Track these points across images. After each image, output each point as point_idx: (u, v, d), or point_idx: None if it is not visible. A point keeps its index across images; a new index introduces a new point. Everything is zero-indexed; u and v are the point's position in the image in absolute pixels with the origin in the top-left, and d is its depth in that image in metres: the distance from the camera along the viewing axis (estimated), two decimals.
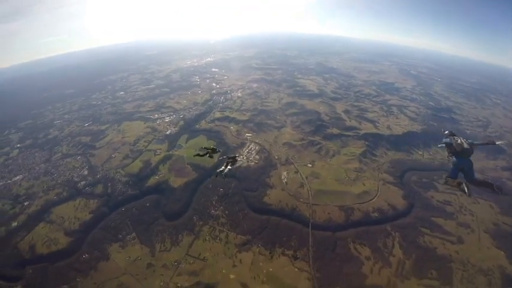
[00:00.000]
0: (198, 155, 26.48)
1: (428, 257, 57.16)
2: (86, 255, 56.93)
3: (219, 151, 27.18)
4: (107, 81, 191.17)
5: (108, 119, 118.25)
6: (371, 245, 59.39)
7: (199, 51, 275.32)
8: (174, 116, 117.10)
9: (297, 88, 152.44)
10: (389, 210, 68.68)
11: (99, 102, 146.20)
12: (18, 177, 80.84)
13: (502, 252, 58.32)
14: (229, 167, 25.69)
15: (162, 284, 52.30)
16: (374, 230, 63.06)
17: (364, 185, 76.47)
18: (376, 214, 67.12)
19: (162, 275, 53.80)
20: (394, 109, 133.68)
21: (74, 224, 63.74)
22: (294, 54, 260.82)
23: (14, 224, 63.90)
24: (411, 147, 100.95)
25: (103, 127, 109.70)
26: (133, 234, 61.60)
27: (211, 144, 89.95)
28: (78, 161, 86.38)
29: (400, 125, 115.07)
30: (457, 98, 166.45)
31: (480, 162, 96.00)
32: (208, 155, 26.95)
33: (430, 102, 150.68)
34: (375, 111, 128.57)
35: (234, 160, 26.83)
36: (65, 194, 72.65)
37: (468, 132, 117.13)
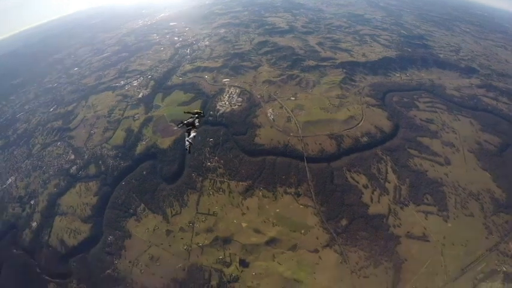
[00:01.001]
0: (183, 124, 22.71)
1: (421, 181, 60.45)
2: (111, 237, 56.96)
3: (203, 115, 23.65)
4: (55, 61, 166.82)
5: (72, 98, 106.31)
6: (366, 171, 61.74)
7: (148, 9, 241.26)
8: (142, 78, 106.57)
9: (267, 27, 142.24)
10: (377, 133, 70.50)
11: (55, 84, 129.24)
12: (10, 179, 75.33)
13: (488, 174, 62.63)
14: (193, 133, 22.35)
15: (185, 247, 53.24)
16: (366, 155, 65.07)
17: (348, 110, 76.78)
18: (365, 139, 68.73)
19: (182, 238, 54.41)
20: (367, 38, 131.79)
21: (85, 210, 62.34)
22: None
23: (34, 224, 62.49)
24: (388, 71, 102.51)
25: (70, 107, 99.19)
26: (142, 205, 60.53)
27: (195, 107, 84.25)
28: (60, 147, 79.83)
29: (374, 52, 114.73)
30: (427, 27, 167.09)
31: (456, 81, 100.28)
32: (195, 120, 22.81)
33: (401, 31, 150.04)
34: (348, 41, 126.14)
35: (195, 120, 22.99)
36: (62, 183, 69.17)
37: (441, 56, 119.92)
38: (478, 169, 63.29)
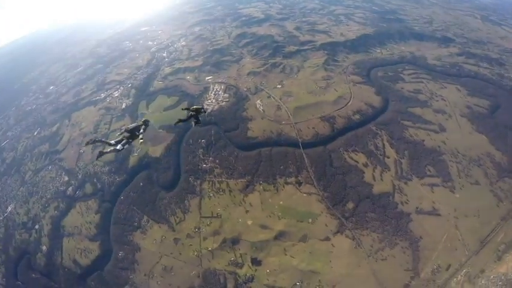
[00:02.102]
0: (180, 121, 21.08)
1: (420, 152, 58.97)
2: (121, 253, 54.92)
3: (205, 111, 21.73)
4: (28, 81, 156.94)
5: (54, 118, 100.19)
6: (363, 149, 60.07)
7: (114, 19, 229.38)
8: (122, 87, 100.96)
9: (243, 18, 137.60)
10: (368, 109, 69.05)
11: (34, 106, 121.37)
12: (9, 208, 72.93)
13: (484, 137, 61.54)
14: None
15: (196, 253, 51.17)
16: (361, 133, 63.42)
17: (336, 90, 75.08)
18: (357, 116, 67.17)
19: (191, 245, 52.24)
20: (342, 18, 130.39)
21: (90, 229, 59.99)
22: None
23: (44, 247, 60.78)
24: (368, 48, 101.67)
25: (54, 128, 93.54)
26: (145, 217, 57.91)
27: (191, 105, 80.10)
28: (52, 170, 76.09)
29: (352, 31, 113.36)
30: (397, 2, 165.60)
31: (435, 51, 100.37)
32: (192, 118, 20.91)
33: (374, 8, 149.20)
34: (325, 23, 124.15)
35: (196, 114, 21.38)
36: (62, 205, 66.29)
37: (417, 28, 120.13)
38: (473, 133, 62.72)
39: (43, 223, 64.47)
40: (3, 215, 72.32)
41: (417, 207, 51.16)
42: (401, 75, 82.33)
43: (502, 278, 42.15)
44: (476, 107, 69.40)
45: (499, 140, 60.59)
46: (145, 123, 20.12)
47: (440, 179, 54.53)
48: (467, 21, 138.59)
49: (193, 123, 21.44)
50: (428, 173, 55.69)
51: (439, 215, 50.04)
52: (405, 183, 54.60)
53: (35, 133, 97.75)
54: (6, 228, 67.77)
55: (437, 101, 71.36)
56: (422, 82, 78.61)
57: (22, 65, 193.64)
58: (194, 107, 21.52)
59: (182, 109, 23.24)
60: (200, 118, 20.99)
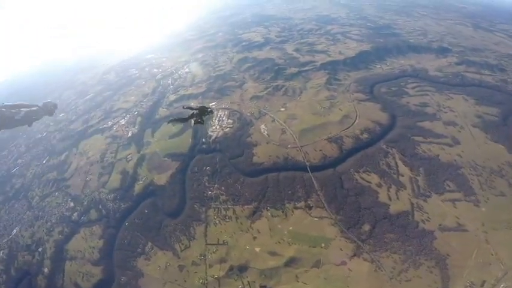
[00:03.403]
0: (176, 120, 20.71)
1: (435, 168, 56.35)
2: (124, 278, 52.91)
3: (211, 111, 20.45)
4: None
5: (63, 147, 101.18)
6: (375, 169, 57.57)
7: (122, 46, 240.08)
8: (128, 115, 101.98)
9: (243, 43, 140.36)
10: (375, 127, 67.13)
11: (44, 134, 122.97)
12: (15, 230, 73.15)
13: (501, 146, 59.06)
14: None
15: (201, 281, 48.33)
16: (371, 152, 61.14)
17: (341, 110, 73.72)
18: (365, 135, 65.11)
19: (196, 272, 49.47)
20: (339, 36, 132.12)
21: (93, 253, 58.60)
22: (230, 13, 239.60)
23: (45, 270, 59.65)
24: (368, 64, 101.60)
25: (62, 157, 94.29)
26: (149, 243, 56.01)
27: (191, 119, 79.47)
28: (58, 197, 76.51)
29: (350, 49, 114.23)
30: (390, 16, 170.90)
31: (434, 62, 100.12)
32: (194, 118, 19.09)
33: (368, 24, 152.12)
34: (323, 42, 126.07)
35: (199, 113, 20.12)
36: (66, 230, 65.67)
37: (412, 41, 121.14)
38: (489, 142, 59.88)
39: (47, 246, 63.83)
40: (8, 237, 72.43)
41: (440, 224, 47.64)
42: (405, 89, 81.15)
43: None
44: (486, 115, 66.97)
45: None
46: (211, 111, 19.98)
47: (462, 194, 51.21)
48: (459, 30, 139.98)
49: (192, 121, 19.76)
50: (448, 188, 52.46)
51: (465, 230, 46.41)
52: (424, 200, 51.34)
53: (44, 161, 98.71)
54: (10, 249, 67.31)
55: (446, 112, 69.14)
56: (427, 95, 76.99)
57: (34, 93, 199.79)
58: (199, 105, 20.51)
59: (184, 108, 21.46)
60: (204, 118, 19.77)
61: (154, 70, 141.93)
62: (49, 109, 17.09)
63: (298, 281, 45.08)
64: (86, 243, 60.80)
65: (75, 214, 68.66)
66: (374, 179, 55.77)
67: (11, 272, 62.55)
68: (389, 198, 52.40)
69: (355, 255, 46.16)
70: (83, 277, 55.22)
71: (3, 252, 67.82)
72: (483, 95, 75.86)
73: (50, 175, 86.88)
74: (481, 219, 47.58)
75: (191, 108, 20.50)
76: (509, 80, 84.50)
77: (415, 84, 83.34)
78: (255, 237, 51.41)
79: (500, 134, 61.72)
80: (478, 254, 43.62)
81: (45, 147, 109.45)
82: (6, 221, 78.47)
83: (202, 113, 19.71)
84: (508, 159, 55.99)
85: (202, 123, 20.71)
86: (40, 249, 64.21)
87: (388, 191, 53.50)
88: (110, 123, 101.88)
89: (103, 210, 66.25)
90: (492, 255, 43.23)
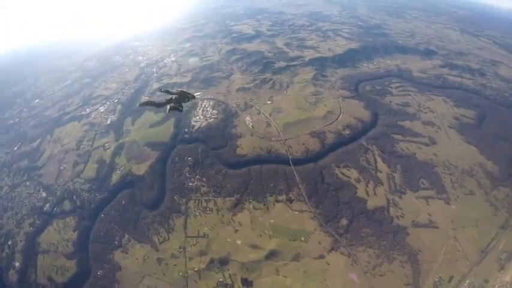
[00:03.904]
0: (149, 103, 17.75)
1: (412, 166, 58.36)
2: (100, 271, 51.69)
3: (193, 97, 17.94)
4: (14, 94, 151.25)
5: (36, 133, 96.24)
6: (355, 165, 58.73)
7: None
8: (108, 102, 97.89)
9: (234, 35, 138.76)
10: (357, 124, 68.33)
11: (17, 120, 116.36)
12: None
13: (474, 147, 62.03)
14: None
15: (181, 273, 47.91)
16: (352, 148, 62.30)
17: (325, 105, 74.48)
18: (347, 131, 66.20)
19: (175, 265, 49.00)
20: (330, 33, 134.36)
21: (67, 246, 56.71)
22: (221, 4, 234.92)
23: (17, 264, 57.49)
24: (356, 62, 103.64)
25: (35, 144, 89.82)
26: (126, 236, 54.66)
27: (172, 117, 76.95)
28: (29, 186, 72.89)
29: (339, 46, 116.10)
30: (381, 17, 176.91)
31: (419, 63, 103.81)
32: (171, 104, 16.86)
33: (359, 23, 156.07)
34: (313, 39, 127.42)
35: (178, 99, 17.61)
36: (38, 222, 63.04)
37: (400, 42, 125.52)
38: (463, 144, 62.81)
39: (17, 239, 61.10)
40: None
41: (413, 221, 49.71)
42: (389, 88, 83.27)
43: (508, 286, 41.36)
44: (463, 117, 70.23)
45: (488, 150, 60.99)
46: (193, 96, 17.72)
47: (435, 191, 53.67)
48: (447, 34, 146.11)
49: (168, 107, 17.10)
50: (422, 185, 54.74)
51: (436, 227, 48.83)
52: (399, 197, 53.28)
53: (15, 148, 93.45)
54: None
55: (425, 113, 71.75)
56: (409, 95, 79.51)
57: (9, 77, 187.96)
58: (179, 89, 17.86)
59: (161, 91, 18.38)
60: (182, 105, 17.29)
61: (139, 58, 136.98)
62: None
63: (278, 274, 45.64)
64: (59, 235, 58.55)
65: (48, 205, 65.78)
66: (353, 174, 56.86)
67: None
68: (367, 194, 53.72)
69: (333, 249, 47.08)
70: (57, 271, 53.38)
71: None
72: (462, 97, 79.21)
73: (21, 163, 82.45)
74: (451, 216, 50.02)
75: (169, 92, 17.58)
76: (488, 84, 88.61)
77: (398, 84, 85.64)
78: (236, 230, 51.28)
79: (474, 136, 64.66)
80: (446, 250, 45.95)
81: (17, 133, 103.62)
82: None
83: (182, 99, 17.25)
84: (480, 160, 58.92)
85: (181, 111, 17.35)
86: (10, 243, 61.37)
87: (367, 186, 54.80)
88: (88, 110, 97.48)
89: (77, 201, 63.70)
90: (459, 251, 45.68)
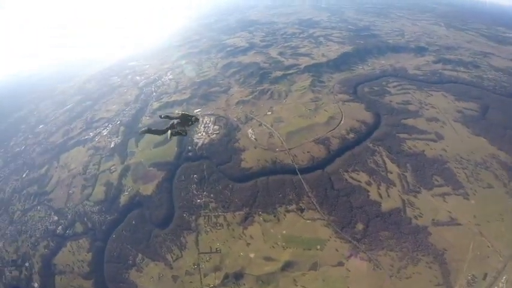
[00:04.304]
0: (148, 131, 16.21)
1: (422, 163, 57.01)
2: None
3: (196, 119, 16.80)
4: (16, 120, 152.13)
5: (43, 160, 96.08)
6: (364, 168, 57.65)
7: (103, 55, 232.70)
8: (111, 125, 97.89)
9: (228, 49, 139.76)
10: (361, 127, 67.76)
11: (23, 147, 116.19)
12: None
13: (483, 139, 60.74)
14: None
15: None
16: (358, 151, 61.39)
17: (326, 111, 74.18)
18: (351, 135, 65.52)
19: (191, 282, 47.88)
20: (321, 39, 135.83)
21: (82, 267, 56.31)
22: (214, 19, 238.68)
23: (35, 285, 57.66)
24: (350, 66, 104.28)
25: (42, 170, 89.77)
26: (140, 255, 53.94)
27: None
28: (41, 211, 73.24)
29: (332, 51, 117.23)
30: (369, 18, 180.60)
31: (413, 61, 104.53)
32: (172, 130, 15.72)
33: (349, 26, 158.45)
34: (306, 45, 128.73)
35: (181, 123, 16.35)
36: (52, 244, 62.86)
37: (391, 41, 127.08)
38: (471, 136, 61.83)
39: (33, 261, 61.04)
40: None
41: (433, 219, 48.11)
42: (387, 88, 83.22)
43: None
44: (466, 110, 69.56)
45: (498, 140, 59.92)
46: (196, 119, 16.50)
47: (451, 188, 52.12)
48: (434, 30, 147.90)
49: (169, 133, 15.82)
50: (436, 183, 53.28)
51: (459, 224, 47.04)
52: (414, 196, 51.87)
53: (24, 175, 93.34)
54: None
55: (427, 109, 71.10)
56: (408, 93, 79.23)
57: (10, 103, 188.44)
58: (180, 112, 16.38)
59: (161, 117, 17.01)
60: (186, 129, 16.07)
61: (137, 77, 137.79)
62: None
63: (296, 285, 44.06)
64: (74, 256, 58.25)
65: (60, 228, 65.79)
66: (363, 177, 55.75)
67: None
68: (380, 196, 52.40)
69: (351, 255, 45.55)
70: None
71: None
72: (461, 91, 78.92)
73: (31, 189, 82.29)
74: (472, 212, 48.28)
75: (170, 117, 16.43)
76: (484, 76, 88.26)
77: (396, 83, 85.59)
78: (248, 244, 49.98)
79: (481, 127, 63.77)
80: (474, 247, 43.99)
81: (25, 161, 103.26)
82: None
83: (185, 122, 16.08)
84: (491, 151, 57.69)
85: (184, 135, 16.23)
86: (27, 264, 61.42)
87: (378, 188, 53.57)
88: (91, 134, 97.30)
89: (88, 223, 63.39)
90: (489, 247, 43.69)
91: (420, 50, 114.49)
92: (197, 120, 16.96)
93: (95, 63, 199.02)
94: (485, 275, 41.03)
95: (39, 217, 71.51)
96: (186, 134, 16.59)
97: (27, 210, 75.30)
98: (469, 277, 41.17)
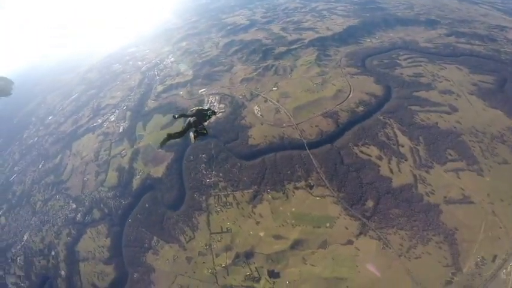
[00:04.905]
0: (170, 137, 14.23)
1: (435, 136, 53.52)
2: (136, 275, 51.86)
3: (213, 112, 15.05)
4: (27, 113, 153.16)
5: (56, 150, 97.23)
6: (374, 141, 54.72)
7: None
8: (117, 111, 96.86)
9: (228, 27, 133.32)
10: (371, 99, 64.21)
11: (36, 139, 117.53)
12: (25, 236, 72.72)
13: (500, 112, 56.16)
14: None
15: (210, 271, 46.90)
16: (368, 124, 58.25)
17: (334, 85, 70.46)
18: (361, 108, 62.27)
19: (204, 262, 47.97)
20: (325, 13, 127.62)
21: (103, 252, 57.58)
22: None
23: (62, 272, 59.36)
24: (357, 39, 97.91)
25: (57, 160, 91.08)
26: (155, 237, 54.43)
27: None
28: (60, 199, 74.69)
29: (337, 24, 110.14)
30: None
31: (424, 34, 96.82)
32: (193, 130, 14.16)
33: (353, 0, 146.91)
34: (309, 20, 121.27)
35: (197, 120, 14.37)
36: (73, 232, 64.52)
37: (400, 14, 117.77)
38: (487, 109, 57.61)
39: (58, 249, 62.88)
40: (21, 243, 72.04)
41: (445, 197, 45.61)
42: (397, 61, 78.21)
43: None
44: (482, 83, 64.56)
45: None
46: (213, 112, 14.83)
47: (465, 163, 48.92)
48: (445, 3, 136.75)
49: (192, 135, 14.28)
50: (449, 157, 50.14)
51: (471, 202, 44.41)
52: (426, 171, 49.17)
53: (40, 166, 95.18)
54: (25, 255, 66.49)
55: (440, 82, 66.52)
56: (420, 65, 74.29)
57: (17, 99, 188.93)
58: (195, 108, 14.66)
59: (174, 117, 15.48)
60: (205, 125, 14.38)
61: (139, 63, 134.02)
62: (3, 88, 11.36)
63: (306, 263, 43.52)
64: (95, 243, 59.59)
65: (79, 215, 67.29)
66: (374, 151, 53.29)
67: (32, 278, 61.92)
68: (391, 171, 50.10)
69: (361, 233, 44.30)
70: (98, 277, 54.20)
71: (20, 259, 66.97)
72: (476, 64, 73.36)
73: (48, 179, 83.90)
74: (486, 189, 45.43)
75: (185, 116, 14.97)
76: (501, 49, 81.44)
77: (406, 56, 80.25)
78: (258, 222, 49.29)
79: (498, 100, 59.33)
80: (486, 227, 41.76)
81: (39, 152, 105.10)
82: (15, 228, 77.30)
83: (202, 119, 14.47)
84: (508, 124, 53.72)
85: (206, 134, 14.57)
86: (53, 253, 63.37)
87: (389, 163, 51.20)
88: (99, 120, 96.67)
89: (105, 209, 64.24)
90: (501, 228, 41.38)
91: (431, 23, 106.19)
92: (214, 113, 15.11)
93: (95, 53, 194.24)
94: (495, 257, 39.26)
95: (59, 206, 73.19)
96: (208, 133, 14.46)
97: (47, 200, 77.09)
98: (478, 259, 39.50)
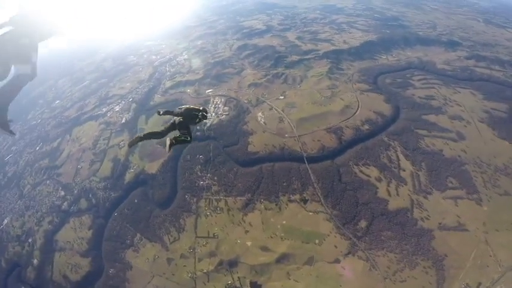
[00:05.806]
0: (143, 138, 12.12)
1: (438, 163, 53.47)
2: (112, 270, 51.87)
3: (204, 115, 12.50)
4: (36, 95, 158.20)
5: (56, 133, 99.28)
6: (375, 162, 54.65)
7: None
8: (123, 102, 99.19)
9: (244, 31, 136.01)
10: (377, 119, 63.81)
11: (39, 121, 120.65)
12: (6, 220, 72.31)
13: (507, 143, 55.95)
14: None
15: (190, 275, 46.97)
16: (371, 144, 58.07)
17: (342, 99, 70.36)
18: (366, 126, 61.92)
19: (185, 266, 48.09)
20: (344, 26, 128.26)
21: (82, 244, 57.52)
22: (232, 1, 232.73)
23: (35, 261, 58.97)
24: (373, 55, 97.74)
25: (55, 143, 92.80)
26: (138, 235, 54.52)
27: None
28: (49, 185, 75.00)
29: (355, 38, 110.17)
30: (398, 8, 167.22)
31: (443, 55, 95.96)
32: (177, 135, 11.82)
33: (375, 15, 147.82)
34: (327, 31, 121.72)
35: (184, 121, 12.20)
36: (56, 220, 64.42)
37: (421, 33, 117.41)
38: (496, 139, 56.72)
39: (36, 237, 62.61)
40: (0, 227, 70.92)
41: (440, 223, 45.58)
42: (411, 81, 77.69)
43: None
44: (494, 111, 63.57)
45: None
46: (205, 112, 12.46)
47: (465, 191, 48.81)
48: (470, 25, 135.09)
49: (167, 142, 11.56)
50: (450, 185, 49.96)
51: (465, 230, 44.53)
52: (425, 197, 48.96)
53: (37, 148, 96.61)
54: (0, 240, 66.09)
55: (452, 106, 65.84)
56: (433, 88, 73.57)
57: (32, 80, 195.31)
58: (184, 107, 12.18)
59: (159, 113, 12.74)
60: (191, 128, 11.96)
61: (153, 57, 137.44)
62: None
63: (289, 279, 43.34)
64: (75, 233, 59.41)
65: (65, 203, 67.15)
66: (374, 172, 52.96)
67: (1, 264, 61.24)
68: (389, 194, 49.76)
69: (349, 253, 44.09)
70: (71, 269, 54.02)
71: None
72: (492, 90, 72.18)
73: (42, 162, 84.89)
74: (482, 218, 45.37)
75: (170, 113, 12.73)
76: None
77: (421, 77, 79.69)
78: (246, 231, 49.30)
79: (508, 130, 58.41)
80: (476, 255, 41.79)
81: (39, 134, 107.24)
82: None
83: (190, 120, 12.13)
84: None
85: (189, 141, 11.84)
86: (30, 240, 63.00)
87: (388, 185, 50.83)
88: (104, 109, 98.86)
89: (93, 200, 64.43)
90: (491, 256, 41.34)
91: (452, 44, 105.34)
92: (205, 117, 12.52)
93: (113, 43, 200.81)
94: (479, 284, 39.33)
95: (47, 192, 73.25)
96: (191, 139, 11.92)
97: (36, 184, 77.42)
98: (463, 285, 39.65)
